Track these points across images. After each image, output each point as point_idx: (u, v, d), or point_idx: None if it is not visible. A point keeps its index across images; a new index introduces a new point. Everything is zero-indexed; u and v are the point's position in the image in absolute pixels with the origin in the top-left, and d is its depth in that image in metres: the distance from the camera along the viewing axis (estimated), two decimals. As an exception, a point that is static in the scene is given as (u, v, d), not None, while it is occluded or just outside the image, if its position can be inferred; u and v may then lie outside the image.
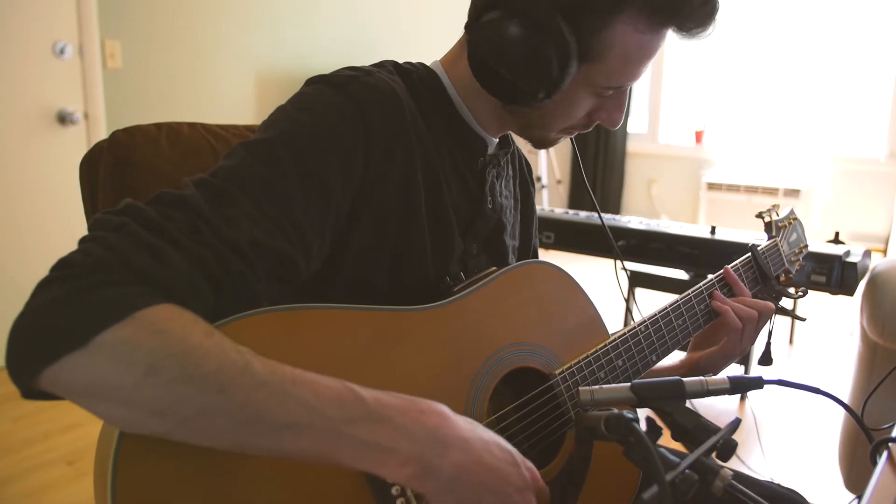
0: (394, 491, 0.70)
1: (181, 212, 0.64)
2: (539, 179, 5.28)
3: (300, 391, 0.59)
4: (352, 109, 0.76)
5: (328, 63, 3.88)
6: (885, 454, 0.71)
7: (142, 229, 0.61)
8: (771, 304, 1.03)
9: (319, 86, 0.78)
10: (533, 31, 0.74)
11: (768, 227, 1.17)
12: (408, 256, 0.82)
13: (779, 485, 1.02)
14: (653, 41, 0.79)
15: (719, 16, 0.79)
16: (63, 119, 2.89)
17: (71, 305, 0.55)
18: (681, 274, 2.74)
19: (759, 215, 1.18)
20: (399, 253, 0.81)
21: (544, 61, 0.75)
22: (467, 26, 0.81)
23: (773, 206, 1.19)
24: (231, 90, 3.54)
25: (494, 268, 0.87)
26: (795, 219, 1.22)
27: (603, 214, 2.78)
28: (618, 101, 0.85)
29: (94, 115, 2.98)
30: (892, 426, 0.82)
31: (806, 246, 1.22)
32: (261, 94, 3.65)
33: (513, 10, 0.75)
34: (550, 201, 5.62)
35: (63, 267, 0.58)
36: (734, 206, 4.95)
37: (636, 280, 2.90)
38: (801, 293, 1.14)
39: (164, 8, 3.18)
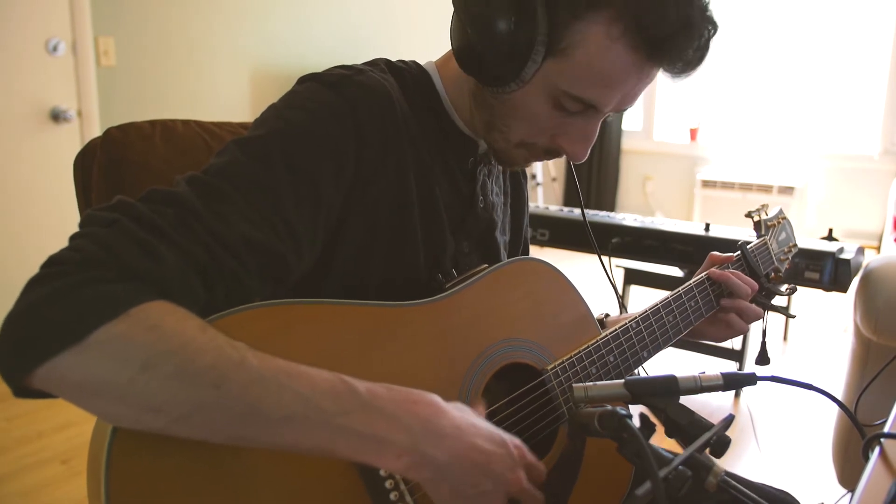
0: (387, 484, 0.70)
1: (173, 208, 0.64)
2: (534, 177, 5.29)
3: (295, 384, 0.59)
4: (343, 108, 0.76)
5: (323, 61, 3.87)
6: (877, 450, 0.72)
7: (133, 225, 0.61)
8: (759, 309, 1.04)
9: (311, 84, 0.78)
10: (511, 7, 0.73)
11: (757, 225, 1.18)
12: (399, 255, 0.82)
13: (771, 487, 1.03)
14: (621, 58, 0.73)
15: (719, 14, 0.76)
16: (56, 117, 2.88)
17: (63, 302, 0.55)
18: (675, 271, 2.75)
19: (749, 214, 1.18)
20: (391, 251, 0.82)
21: (515, 36, 0.73)
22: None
23: (763, 205, 1.20)
24: (225, 87, 3.53)
25: (486, 265, 0.88)
26: (784, 218, 1.22)
27: (598, 212, 2.79)
28: (583, 129, 0.80)
29: (88, 113, 2.97)
30: (885, 422, 0.83)
31: (795, 245, 1.22)
32: (255, 92, 3.64)
33: None
34: (545, 199, 5.62)
35: (54, 264, 0.57)
36: (729, 204, 4.96)
37: (631, 277, 2.91)
38: (790, 290, 1.14)
39: (157, 5, 3.17)
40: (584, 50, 0.74)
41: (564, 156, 0.83)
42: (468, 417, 0.67)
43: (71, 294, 0.55)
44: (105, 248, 0.58)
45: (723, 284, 1.03)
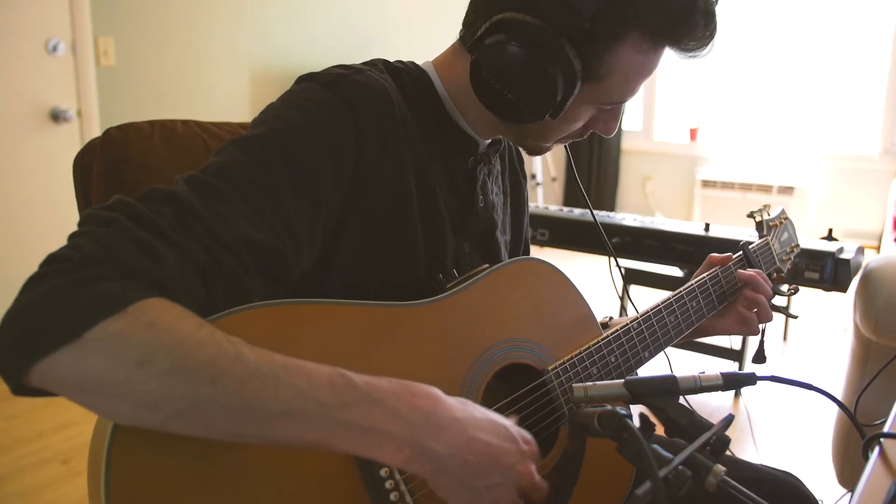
0: (388, 485, 0.70)
1: (171, 208, 0.64)
2: (534, 177, 5.29)
3: (293, 378, 0.60)
4: (342, 107, 0.76)
5: (322, 61, 3.87)
6: (876, 449, 0.72)
7: (132, 224, 0.61)
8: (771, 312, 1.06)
9: (309, 84, 0.78)
10: (539, 56, 0.74)
11: (759, 226, 1.18)
12: (400, 255, 0.82)
13: (772, 468, 1.03)
14: (654, 60, 0.80)
15: (719, 14, 0.80)
16: (56, 117, 2.88)
17: (61, 300, 0.55)
18: (675, 271, 2.75)
19: (751, 215, 1.18)
20: (391, 251, 0.81)
21: (550, 87, 0.76)
22: (470, 47, 0.80)
23: (765, 205, 1.20)
24: (225, 87, 3.53)
25: (487, 265, 0.88)
26: (787, 218, 1.22)
27: (597, 212, 2.78)
28: (614, 112, 0.87)
29: (88, 113, 2.97)
30: (885, 422, 0.83)
31: (797, 245, 1.22)
32: (255, 92, 3.64)
33: (518, 35, 0.75)
34: (545, 198, 5.63)
35: (53, 262, 0.58)
36: (729, 204, 4.96)
37: (630, 277, 2.91)
38: (792, 291, 1.14)
39: (157, 4, 3.17)
40: (620, 71, 0.79)
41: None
42: (470, 410, 0.67)
43: (69, 292, 0.55)
44: (104, 246, 0.58)
45: (750, 284, 1.04)
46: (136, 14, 3.10)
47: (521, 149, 0.94)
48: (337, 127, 0.75)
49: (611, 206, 5.55)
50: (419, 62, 0.91)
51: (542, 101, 0.77)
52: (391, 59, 0.89)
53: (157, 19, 3.18)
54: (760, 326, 1.07)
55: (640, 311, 0.97)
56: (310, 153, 0.73)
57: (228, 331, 0.60)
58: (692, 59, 0.81)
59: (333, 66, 0.81)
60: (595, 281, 2.36)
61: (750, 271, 1.05)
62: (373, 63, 0.86)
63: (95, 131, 2.93)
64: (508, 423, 0.69)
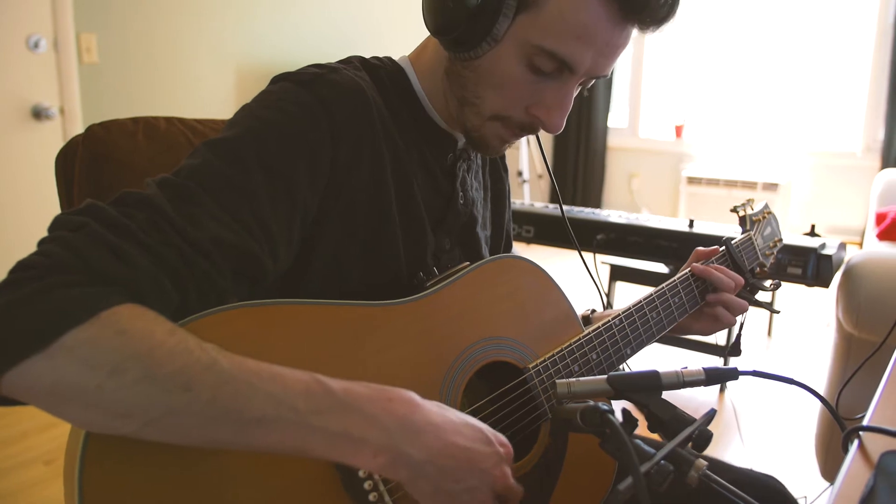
0: (366, 486, 0.70)
1: (143, 211, 0.63)
2: (520, 174, 5.30)
3: (267, 385, 0.59)
4: (317, 107, 0.75)
5: (308, 57, 3.85)
6: (856, 442, 0.72)
7: (103, 229, 0.60)
8: (744, 302, 1.05)
9: (285, 83, 0.78)
10: None
11: (742, 221, 1.19)
12: (379, 253, 0.82)
13: (756, 471, 1.04)
14: (594, 8, 0.73)
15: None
16: (38, 114, 2.85)
17: (30, 307, 0.53)
18: (660, 267, 2.77)
19: (734, 209, 1.19)
20: (371, 250, 0.81)
21: None
22: None
23: (748, 200, 1.21)
24: (210, 85, 3.50)
25: (467, 262, 0.87)
26: (770, 213, 1.23)
27: (583, 208, 2.80)
28: (558, 95, 0.79)
29: (70, 110, 2.94)
30: (864, 415, 0.83)
31: (780, 240, 1.23)
32: (240, 89, 3.62)
33: None
34: (532, 195, 5.63)
35: (22, 269, 0.56)
36: (714, 200, 4.99)
37: (616, 273, 2.92)
38: (774, 286, 1.15)
39: (141, 1, 3.14)
40: (557, 1, 0.74)
41: (541, 132, 0.83)
42: (447, 414, 0.67)
43: (38, 299, 0.54)
44: (74, 252, 0.57)
45: (706, 280, 1.04)
46: (120, 10, 3.08)
47: (464, 136, 0.87)
48: (313, 127, 0.74)
49: (597, 203, 5.56)
50: (396, 57, 0.91)
51: (476, 14, 0.74)
52: (369, 56, 0.89)
53: (140, 15, 3.15)
54: (738, 319, 1.08)
55: (622, 308, 0.98)
56: (285, 153, 0.72)
57: (205, 332, 0.60)
58: (647, 30, 0.77)
59: (309, 66, 0.81)
60: (580, 278, 2.37)
61: (706, 267, 1.04)
62: (348, 61, 0.85)
63: (78, 129, 2.90)
64: (484, 426, 0.69)
